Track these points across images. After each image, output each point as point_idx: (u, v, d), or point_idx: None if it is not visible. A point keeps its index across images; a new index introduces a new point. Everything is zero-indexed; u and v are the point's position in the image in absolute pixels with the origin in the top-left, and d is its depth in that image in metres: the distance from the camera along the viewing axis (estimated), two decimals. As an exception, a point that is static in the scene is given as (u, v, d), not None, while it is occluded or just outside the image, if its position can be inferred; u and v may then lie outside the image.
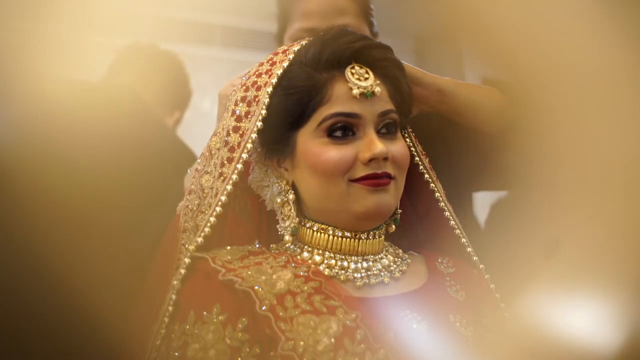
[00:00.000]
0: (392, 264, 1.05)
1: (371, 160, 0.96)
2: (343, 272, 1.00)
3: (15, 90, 1.24)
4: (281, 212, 1.04)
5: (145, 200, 1.40)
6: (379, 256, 1.04)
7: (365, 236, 1.02)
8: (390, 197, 0.99)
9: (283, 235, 1.04)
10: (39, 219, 1.21)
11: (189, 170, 1.24)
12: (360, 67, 1.00)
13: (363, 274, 1.01)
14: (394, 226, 1.07)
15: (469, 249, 1.12)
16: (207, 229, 1.00)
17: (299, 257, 1.01)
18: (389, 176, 0.98)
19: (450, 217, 1.12)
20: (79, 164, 1.34)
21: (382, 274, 1.02)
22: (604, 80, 0.66)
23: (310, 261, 1.01)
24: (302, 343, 0.87)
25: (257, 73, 1.03)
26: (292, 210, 1.02)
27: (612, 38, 0.65)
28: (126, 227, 1.35)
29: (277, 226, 1.05)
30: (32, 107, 1.29)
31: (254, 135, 1.00)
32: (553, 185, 0.75)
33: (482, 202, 1.71)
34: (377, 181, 0.97)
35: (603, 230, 0.68)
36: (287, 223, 1.03)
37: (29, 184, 1.23)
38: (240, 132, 1.01)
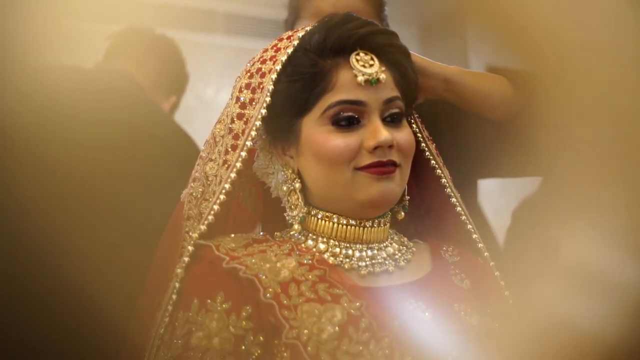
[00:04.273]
0: (397, 252, 1.04)
1: (376, 148, 0.95)
2: (347, 260, 1.00)
3: (11, 78, 1.23)
4: (288, 201, 1.04)
5: (142, 185, 1.40)
6: (384, 244, 1.04)
7: (370, 224, 1.01)
8: (396, 185, 0.98)
9: (290, 224, 1.03)
10: (37, 208, 1.21)
11: None
12: (365, 54, 0.99)
13: (368, 263, 1.00)
14: (402, 213, 1.07)
15: (474, 236, 1.11)
16: (210, 217, 0.99)
17: (303, 245, 1.01)
18: (394, 164, 0.97)
19: (457, 204, 1.11)
20: (76, 150, 1.33)
21: (387, 262, 1.02)
22: (622, 66, 0.65)
23: (314, 249, 1.00)
24: (306, 331, 0.87)
25: (261, 59, 1.02)
26: (300, 199, 1.02)
27: (632, 20, 0.64)
28: (125, 212, 1.35)
29: (285, 214, 1.04)
30: (28, 95, 1.29)
31: (258, 123, 0.99)
32: (562, 173, 0.74)
33: (487, 190, 1.70)
34: (382, 169, 0.96)
35: (613, 220, 0.68)
36: (296, 212, 1.02)
37: (26, 172, 1.23)
38: (245, 120, 1.00)
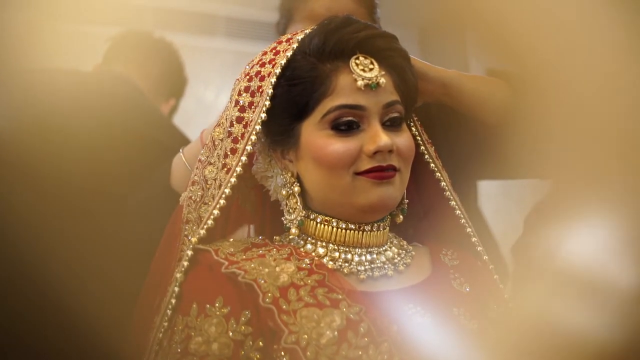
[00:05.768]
0: (396, 256, 1.04)
1: (376, 152, 0.95)
2: (347, 264, 0.99)
3: (10, 80, 1.23)
4: (286, 204, 1.03)
5: (141, 187, 1.39)
6: (383, 248, 1.03)
7: (370, 228, 1.01)
8: (395, 189, 0.98)
9: (288, 227, 1.03)
10: (34, 212, 1.21)
11: (181, 150, 1.24)
12: (365, 58, 0.98)
13: (367, 267, 1.00)
14: (401, 216, 1.06)
15: (474, 239, 1.11)
16: (210, 222, 0.99)
17: (302, 249, 1.01)
18: (394, 169, 0.97)
19: (456, 207, 1.11)
20: (75, 153, 1.33)
21: (386, 266, 1.01)
22: (613, 71, 0.65)
23: (313, 253, 1.00)
24: (305, 336, 0.86)
25: (260, 62, 1.02)
26: (299, 203, 1.01)
27: (620, 27, 0.64)
28: (123, 215, 1.35)
29: (283, 218, 1.04)
30: (27, 98, 1.29)
31: (258, 127, 0.99)
32: (558, 175, 0.74)
33: (486, 193, 1.70)
34: (382, 174, 0.96)
35: (609, 221, 0.68)
36: (294, 216, 1.02)
37: (23, 176, 1.23)
38: (244, 123, 1.00)
